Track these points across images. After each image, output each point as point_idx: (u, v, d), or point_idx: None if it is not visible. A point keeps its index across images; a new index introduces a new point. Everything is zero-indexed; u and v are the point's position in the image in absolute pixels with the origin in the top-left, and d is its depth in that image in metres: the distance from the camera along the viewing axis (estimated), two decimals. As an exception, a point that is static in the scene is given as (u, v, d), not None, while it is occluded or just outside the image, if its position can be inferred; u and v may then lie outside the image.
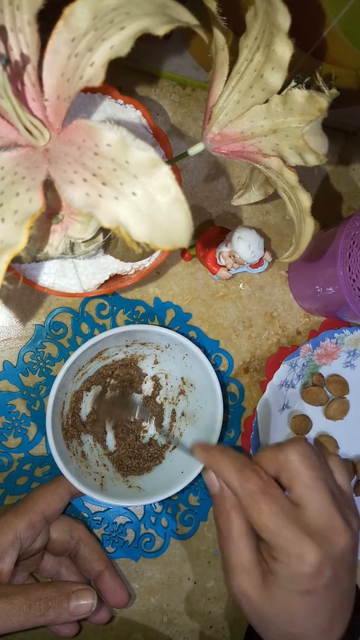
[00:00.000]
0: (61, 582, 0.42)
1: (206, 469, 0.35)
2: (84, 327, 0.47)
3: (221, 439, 0.50)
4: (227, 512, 0.32)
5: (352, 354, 0.52)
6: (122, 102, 0.39)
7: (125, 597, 0.43)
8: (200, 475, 0.44)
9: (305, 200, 0.30)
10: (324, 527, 0.30)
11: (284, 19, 0.26)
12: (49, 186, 0.24)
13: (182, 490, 0.44)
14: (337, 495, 0.32)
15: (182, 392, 0.48)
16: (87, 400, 0.46)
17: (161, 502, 0.48)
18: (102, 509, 0.47)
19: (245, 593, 0.31)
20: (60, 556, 0.43)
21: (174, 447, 0.47)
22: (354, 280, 0.42)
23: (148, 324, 0.48)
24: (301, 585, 0.29)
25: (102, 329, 0.47)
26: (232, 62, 0.30)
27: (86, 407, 0.47)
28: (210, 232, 0.47)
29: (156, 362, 0.48)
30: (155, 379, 0.49)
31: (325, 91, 0.29)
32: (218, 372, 0.46)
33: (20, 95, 0.26)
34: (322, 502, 0.30)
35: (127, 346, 0.46)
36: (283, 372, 0.49)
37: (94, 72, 0.24)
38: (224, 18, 0.28)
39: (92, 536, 0.44)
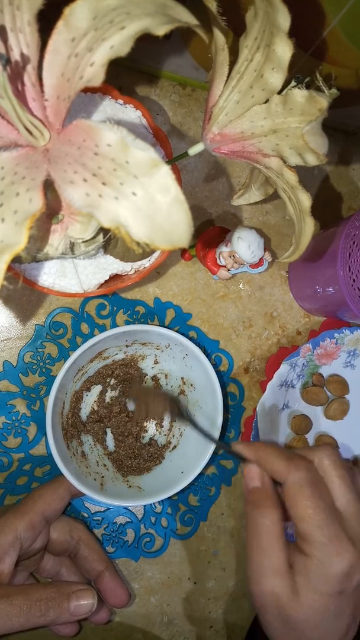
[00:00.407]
0: (61, 582, 0.42)
1: (247, 462, 0.34)
2: (84, 327, 0.47)
3: (221, 438, 0.50)
4: (265, 508, 0.31)
5: (352, 354, 0.52)
6: (122, 102, 0.39)
7: (125, 597, 0.43)
8: (200, 475, 0.44)
9: (305, 200, 0.30)
10: (358, 531, 0.30)
11: (284, 19, 0.26)
12: (49, 186, 0.24)
13: (182, 490, 0.44)
14: None
15: (182, 392, 0.48)
16: (87, 400, 0.46)
17: (161, 502, 0.48)
18: (102, 509, 0.47)
19: (275, 595, 0.30)
20: (60, 556, 0.43)
21: (174, 447, 0.47)
22: (354, 280, 0.42)
23: (148, 324, 0.48)
24: (333, 586, 0.29)
25: (102, 329, 0.47)
26: (232, 62, 0.30)
27: (86, 407, 0.47)
28: (210, 232, 0.47)
29: (156, 362, 0.48)
30: (155, 379, 0.49)
31: (325, 91, 0.29)
32: (218, 372, 0.46)
33: (20, 95, 0.26)
34: (355, 506, 0.30)
35: (127, 346, 0.46)
36: (283, 372, 0.49)
37: (94, 72, 0.24)
38: (224, 18, 0.28)
39: (92, 536, 0.44)
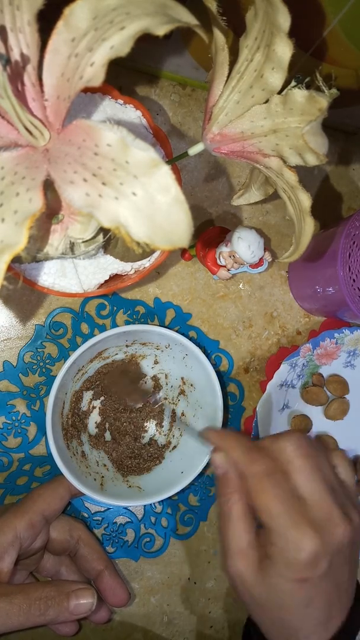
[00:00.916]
0: (61, 581, 0.42)
1: (215, 450, 0.34)
2: (84, 327, 0.47)
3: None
4: (230, 494, 0.32)
5: (352, 354, 0.52)
6: (122, 102, 0.39)
7: (125, 596, 0.43)
8: (200, 475, 0.44)
9: (305, 200, 0.31)
10: (323, 517, 0.30)
11: (284, 19, 0.26)
12: (49, 186, 0.24)
13: (182, 490, 0.44)
14: (337, 488, 0.32)
15: (182, 392, 0.48)
16: (87, 400, 0.46)
17: (161, 502, 0.48)
18: (102, 509, 0.47)
19: (240, 575, 0.31)
20: (60, 556, 0.43)
21: (174, 447, 0.47)
22: (354, 280, 0.42)
23: (148, 324, 0.48)
24: (296, 573, 0.29)
25: (102, 329, 0.47)
26: (232, 62, 0.30)
27: (86, 407, 0.47)
28: (210, 232, 0.47)
29: (156, 362, 0.48)
30: (155, 379, 0.49)
31: (325, 91, 0.29)
32: (218, 372, 0.46)
33: (20, 95, 0.26)
34: (319, 492, 0.30)
35: (127, 346, 0.46)
36: (283, 372, 0.49)
37: (94, 72, 0.24)
38: (224, 18, 0.28)
39: (92, 536, 0.44)
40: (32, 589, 0.36)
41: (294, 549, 0.29)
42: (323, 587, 0.30)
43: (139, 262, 0.41)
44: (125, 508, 0.47)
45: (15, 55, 0.25)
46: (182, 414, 0.48)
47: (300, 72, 0.29)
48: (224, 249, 0.42)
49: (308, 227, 0.32)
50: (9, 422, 0.45)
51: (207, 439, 0.35)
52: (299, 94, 0.28)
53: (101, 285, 0.40)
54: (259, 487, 0.30)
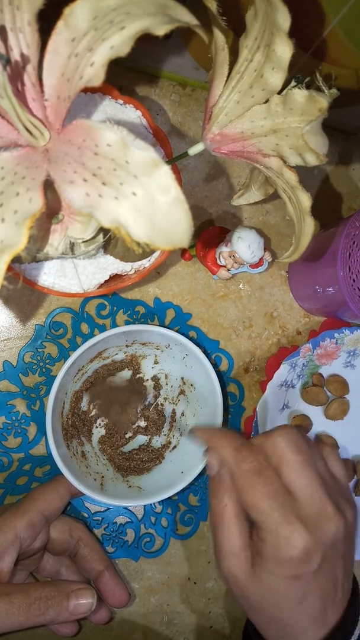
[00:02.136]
0: (61, 581, 0.42)
1: (208, 450, 0.34)
2: (84, 327, 0.47)
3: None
4: (221, 495, 0.32)
5: (352, 354, 0.52)
6: (122, 102, 0.39)
7: (125, 597, 0.43)
8: (200, 475, 0.44)
9: (305, 200, 0.30)
10: (315, 513, 0.30)
11: (284, 19, 0.26)
12: (49, 186, 0.24)
13: (182, 490, 0.44)
14: (329, 482, 0.32)
15: (182, 392, 0.48)
16: (87, 400, 0.46)
17: (161, 502, 0.48)
18: (102, 509, 0.47)
19: (234, 576, 0.31)
20: (60, 556, 0.43)
21: (174, 447, 0.47)
22: (354, 280, 0.42)
23: (148, 324, 0.48)
24: (288, 570, 0.29)
25: (102, 329, 0.47)
26: (232, 62, 0.30)
27: (86, 407, 0.47)
28: (210, 232, 0.47)
29: (156, 362, 0.48)
30: (155, 379, 0.49)
31: (325, 91, 0.29)
32: (218, 372, 0.46)
33: (20, 95, 0.26)
34: (312, 487, 0.30)
35: (127, 346, 0.46)
36: (283, 372, 0.49)
37: (94, 72, 0.24)
38: (224, 18, 0.28)
39: (92, 536, 0.44)
40: (32, 589, 0.36)
41: (285, 545, 0.29)
42: (317, 583, 0.30)
43: (139, 262, 0.41)
44: (125, 508, 0.47)
45: (15, 55, 0.25)
46: (182, 414, 0.48)
47: (300, 72, 0.29)
48: (224, 249, 0.42)
49: (308, 227, 0.32)
50: (9, 422, 0.45)
51: (196, 437, 0.35)
52: (299, 94, 0.28)
53: (101, 285, 0.40)
54: (248, 485, 0.30)
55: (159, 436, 0.48)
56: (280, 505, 0.29)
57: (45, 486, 0.42)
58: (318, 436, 0.51)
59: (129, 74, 0.48)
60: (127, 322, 0.48)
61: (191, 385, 0.47)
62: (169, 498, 0.44)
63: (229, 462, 0.32)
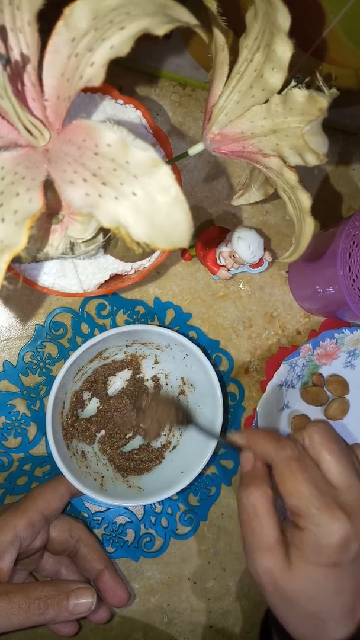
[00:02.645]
0: (60, 580, 0.42)
1: (243, 450, 0.34)
2: (84, 327, 0.47)
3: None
4: (255, 488, 0.32)
5: (352, 354, 0.52)
6: (122, 102, 0.39)
7: (125, 596, 0.43)
8: (200, 475, 0.44)
9: (305, 200, 0.30)
10: (354, 502, 0.30)
11: (284, 19, 0.26)
12: (49, 186, 0.24)
13: (182, 490, 0.44)
14: None
15: (182, 392, 0.48)
16: (87, 400, 0.46)
17: (161, 502, 0.48)
18: (102, 509, 0.47)
19: (269, 571, 0.30)
20: (59, 555, 0.43)
21: (174, 447, 0.47)
22: (354, 280, 0.42)
23: (148, 324, 0.48)
24: (328, 558, 0.29)
25: (102, 329, 0.47)
26: (232, 62, 0.30)
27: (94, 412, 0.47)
28: (210, 232, 0.47)
29: (156, 362, 0.48)
30: (155, 379, 0.49)
31: (325, 91, 0.29)
32: (218, 372, 0.46)
33: (20, 95, 0.26)
34: (350, 477, 0.30)
35: (127, 346, 0.46)
36: (283, 372, 0.49)
37: (94, 72, 0.24)
38: (224, 18, 0.28)
39: (92, 536, 0.44)
40: (32, 588, 0.36)
41: (325, 532, 0.29)
42: (353, 572, 0.30)
43: (139, 262, 0.41)
44: (125, 508, 0.47)
45: (15, 55, 0.25)
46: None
47: (300, 72, 0.29)
48: (224, 249, 0.42)
49: (308, 227, 0.32)
50: (9, 422, 0.45)
51: (234, 443, 0.35)
52: (299, 94, 0.28)
53: (101, 285, 0.40)
54: (290, 472, 0.30)
55: (159, 436, 0.48)
56: (321, 492, 0.29)
57: (45, 486, 0.42)
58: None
59: (129, 74, 0.48)
60: (127, 322, 0.48)
61: (191, 385, 0.47)
62: (169, 498, 0.44)
63: (269, 452, 0.32)
